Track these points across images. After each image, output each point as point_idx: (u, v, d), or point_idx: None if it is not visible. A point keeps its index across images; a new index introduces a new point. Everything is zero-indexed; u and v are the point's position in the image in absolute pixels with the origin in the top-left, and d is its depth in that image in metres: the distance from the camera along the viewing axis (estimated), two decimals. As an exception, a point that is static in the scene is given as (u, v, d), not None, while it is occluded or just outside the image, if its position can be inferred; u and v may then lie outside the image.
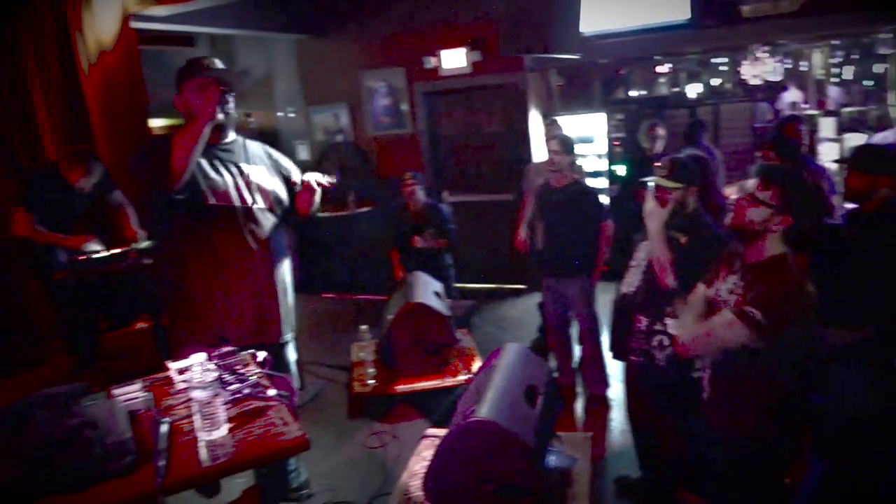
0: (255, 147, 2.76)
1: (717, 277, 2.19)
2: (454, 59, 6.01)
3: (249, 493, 2.85)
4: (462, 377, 3.67)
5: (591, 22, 4.98)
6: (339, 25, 6.56)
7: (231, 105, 2.51)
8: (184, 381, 1.96)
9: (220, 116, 2.42)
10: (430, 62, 6.12)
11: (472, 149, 6.50)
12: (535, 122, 6.06)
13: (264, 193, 2.65)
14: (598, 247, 3.82)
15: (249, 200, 2.59)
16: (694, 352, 2.22)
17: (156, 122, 6.77)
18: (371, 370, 3.75)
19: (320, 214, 6.94)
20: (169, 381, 2.02)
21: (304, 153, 7.28)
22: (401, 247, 4.77)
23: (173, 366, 2.03)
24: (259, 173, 2.67)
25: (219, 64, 2.57)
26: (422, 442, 2.57)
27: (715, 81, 9.36)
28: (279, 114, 7.34)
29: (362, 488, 3.01)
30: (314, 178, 2.71)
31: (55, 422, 1.53)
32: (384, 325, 3.87)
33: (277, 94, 7.29)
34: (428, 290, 3.90)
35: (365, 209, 6.61)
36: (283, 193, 2.76)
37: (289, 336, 2.83)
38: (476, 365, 3.77)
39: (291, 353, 2.87)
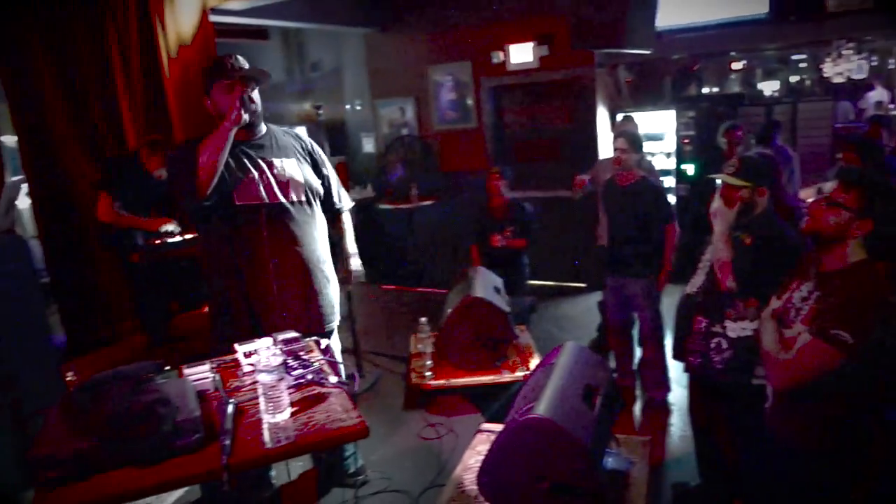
0: (287, 138, 2.73)
1: (791, 286, 2.10)
2: (521, 54, 5.97)
3: (307, 476, 2.94)
4: (519, 374, 3.66)
5: (665, 16, 4.86)
6: (407, 19, 6.61)
7: (257, 102, 2.49)
8: (250, 364, 2.02)
9: (245, 118, 2.41)
10: (498, 57, 6.10)
11: (536, 144, 6.45)
12: (603, 118, 5.96)
13: (297, 186, 2.61)
14: (663, 248, 3.73)
15: (281, 195, 2.55)
16: (788, 387, 2.05)
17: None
18: (429, 362, 3.78)
19: (383, 206, 7.07)
20: (236, 364, 2.09)
21: (369, 146, 7.38)
22: (480, 241, 4.75)
23: (241, 349, 2.10)
24: (291, 165, 2.62)
25: (244, 62, 2.54)
26: (477, 436, 2.58)
27: (794, 78, 8.97)
28: (347, 106, 7.47)
29: (416, 479, 3.04)
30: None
31: (130, 397, 1.60)
32: (443, 319, 3.89)
33: (346, 87, 7.41)
34: (488, 285, 3.89)
35: (427, 202, 6.66)
36: (316, 183, 2.72)
37: (333, 325, 2.80)
38: (534, 362, 3.75)
39: (336, 342, 2.87)
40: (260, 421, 1.70)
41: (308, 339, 2.19)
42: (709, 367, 2.54)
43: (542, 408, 1.84)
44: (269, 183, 2.53)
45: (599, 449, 1.95)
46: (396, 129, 7.07)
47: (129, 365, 1.80)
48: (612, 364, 4.08)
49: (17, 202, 3.27)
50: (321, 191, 2.76)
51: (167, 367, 1.93)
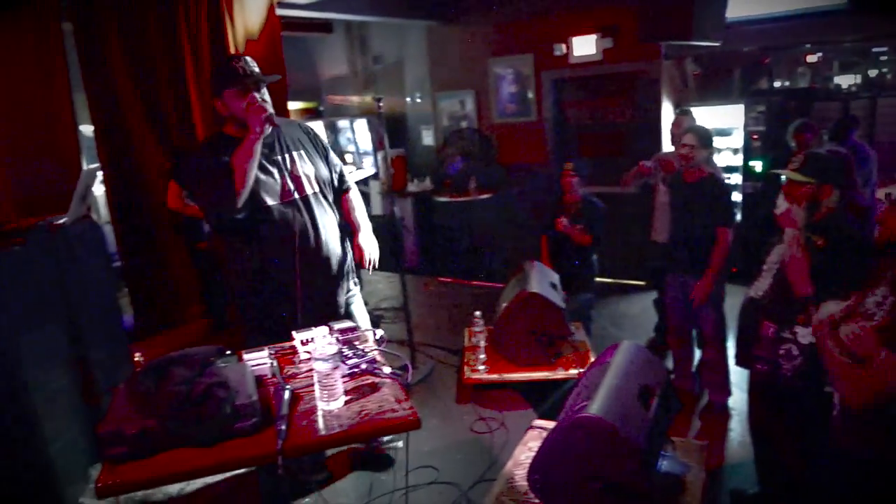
0: (293, 130, 2.78)
1: (865, 290, 1.99)
2: (584, 46, 5.87)
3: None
4: (573, 371, 3.62)
5: (736, 6, 4.68)
6: (469, 12, 6.59)
7: (269, 103, 2.55)
8: (307, 352, 2.07)
9: (268, 129, 2.50)
10: (560, 49, 6.02)
11: (597, 139, 6.34)
12: (668, 112, 5.80)
13: (310, 178, 2.69)
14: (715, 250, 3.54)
15: (298, 191, 2.63)
16: (864, 403, 1.92)
17: (294, 105, 7.15)
18: (482, 356, 3.78)
19: (441, 199, 7.08)
20: (293, 351, 2.14)
21: (428, 138, 7.41)
22: (551, 235, 4.70)
23: (298, 336, 2.14)
24: (302, 159, 2.70)
25: (254, 65, 2.59)
26: (528, 432, 2.57)
27: (873, 72, 8.51)
28: (407, 99, 7.52)
29: (466, 471, 3.05)
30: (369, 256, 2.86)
31: (192, 379, 1.66)
32: (498, 313, 3.88)
33: (406, 80, 7.46)
34: (544, 280, 3.86)
35: (485, 196, 6.65)
36: (325, 172, 2.78)
37: (353, 302, 2.89)
38: (589, 360, 3.70)
39: (362, 312, 2.95)
40: (314, 408, 1.73)
41: (364, 329, 2.23)
42: (777, 374, 2.45)
43: (595, 407, 1.81)
44: (286, 180, 2.61)
45: (654, 451, 1.91)
46: (456, 122, 7.07)
47: (192, 348, 1.87)
48: (670, 365, 3.99)
49: (92, 189, 3.42)
50: (331, 179, 2.83)
51: (228, 352, 1.99)
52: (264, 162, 2.57)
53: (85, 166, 4.16)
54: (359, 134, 7.42)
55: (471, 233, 6.90)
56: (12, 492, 2.57)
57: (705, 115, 5.38)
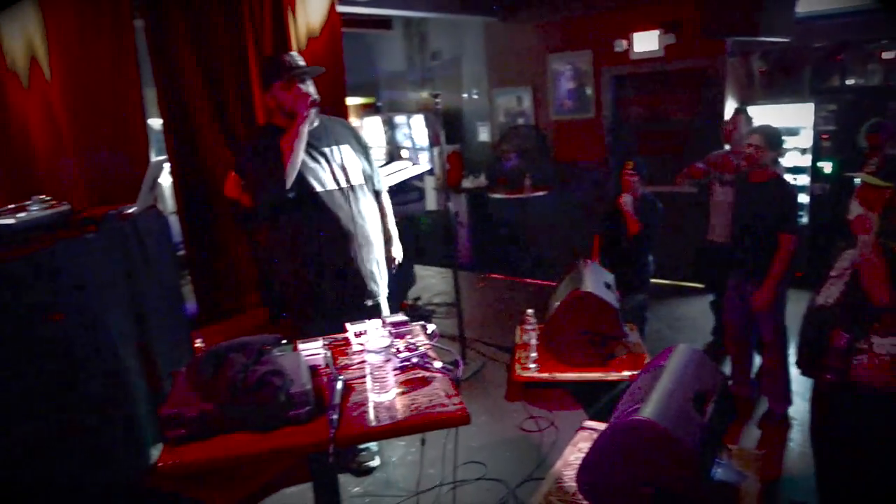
0: (338, 126, 2.92)
1: None
2: (646, 42, 5.75)
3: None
4: (626, 373, 3.55)
5: (808, 1, 4.50)
6: (528, 7, 6.54)
7: (315, 96, 2.69)
8: (360, 344, 2.10)
9: (315, 119, 2.66)
10: (621, 45, 5.91)
11: (657, 137, 6.20)
12: (731, 111, 5.63)
13: (355, 170, 2.83)
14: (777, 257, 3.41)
15: (344, 180, 2.77)
16: None
17: (352, 101, 7.25)
18: (533, 354, 3.75)
19: (496, 196, 7.06)
20: (346, 343, 2.18)
21: (484, 135, 7.41)
22: (604, 234, 4.64)
23: (351, 328, 2.18)
24: (347, 152, 2.84)
25: (300, 59, 2.75)
26: (579, 433, 2.54)
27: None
28: (464, 95, 7.52)
29: (513, 469, 3.04)
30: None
31: (248, 367, 1.71)
32: (550, 311, 3.84)
33: (464, 76, 7.46)
34: (598, 280, 3.80)
35: (540, 193, 6.60)
36: (367, 167, 2.93)
37: (380, 300, 2.99)
38: (643, 362, 3.63)
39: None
40: (366, 399, 1.76)
41: (415, 323, 2.25)
42: (849, 385, 2.35)
43: (648, 410, 1.78)
44: (333, 170, 2.75)
45: (708, 458, 1.87)
46: (512, 119, 7.04)
47: (250, 336, 1.92)
48: (728, 370, 3.88)
49: (159, 180, 3.55)
50: (371, 175, 2.97)
51: (284, 341, 2.04)
52: (312, 151, 2.71)
53: (153, 158, 4.32)
54: (415, 130, 7.46)
55: (525, 230, 6.86)
56: (98, 455, 2.71)
57: (772, 114, 5.19)
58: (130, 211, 3.15)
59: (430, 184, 7.50)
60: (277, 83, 2.69)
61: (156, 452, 3.17)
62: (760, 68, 6.06)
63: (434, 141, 7.18)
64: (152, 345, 3.19)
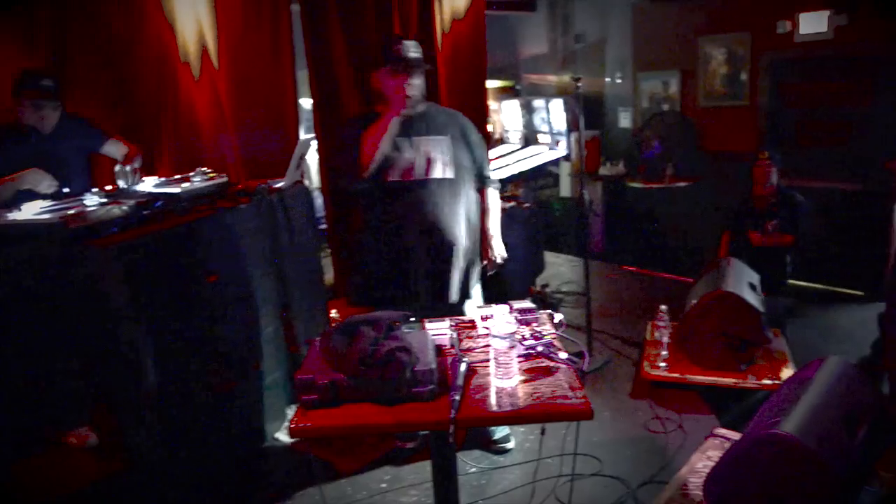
0: (444, 116, 2.84)
1: None
2: (814, 23, 5.25)
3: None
4: (767, 382, 3.32)
5: None
6: (681, -13, 6.19)
7: (418, 87, 2.66)
8: (485, 328, 2.11)
9: (407, 111, 2.63)
10: (784, 27, 5.44)
11: (821, 127, 5.66)
12: (913, 100, 5.02)
13: (445, 163, 2.74)
14: None
15: (428, 172, 2.71)
16: None
17: (491, 83, 7.25)
18: (664, 353, 3.60)
19: (634, 185, 6.81)
20: (472, 325, 2.20)
21: (625, 121, 7.14)
22: (735, 232, 4.37)
23: (478, 312, 2.19)
24: (441, 144, 2.75)
25: (412, 49, 2.69)
26: (709, 440, 2.41)
27: None
28: (607, 79, 7.29)
29: (634, 469, 2.94)
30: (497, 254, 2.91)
31: (378, 341, 1.78)
32: (686, 309, 3.66)
33: (608, 60, 7.23)
34: (742, 279, 3.57)
35: (682, 183, 6.28)
36: (468, 161, 2.83)
37: (467, 302, 2.91)
38: (786, 372, 3.38)
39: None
40: (488, 384, 1.77)
41: (542, 311, 2.22)
42: None
43: (790, 425, 1.65)
44: (418, 160, 2.70)
45: (856, 484, 1.70)
46: (657, 104, 6.73)
47: (382, 311, 1.99)
48: (886, 390, 3.50)
49: (306, 157, 3.76)
50: (472, 169, 2.88)
51: (412, 319, 2.09)
52: (400, 140, 2.69)
53: (301, 136, 4.57)
54: (553, 114, 7.34)
55: (663, 222, 6.56)
56: (231, 412, 2.96)
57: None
58: (279, 185, 3.36)
59: (565, 170, 7.36)
60: (385, 68, 2.68)
61: (290, 413, 3.41)
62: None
63: (572, 126, 7.03)
64: (292, 311, 3.41)
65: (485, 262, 3.00)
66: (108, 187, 2.99)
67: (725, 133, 6.13)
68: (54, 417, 3.18)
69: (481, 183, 2.99)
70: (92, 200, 2.60)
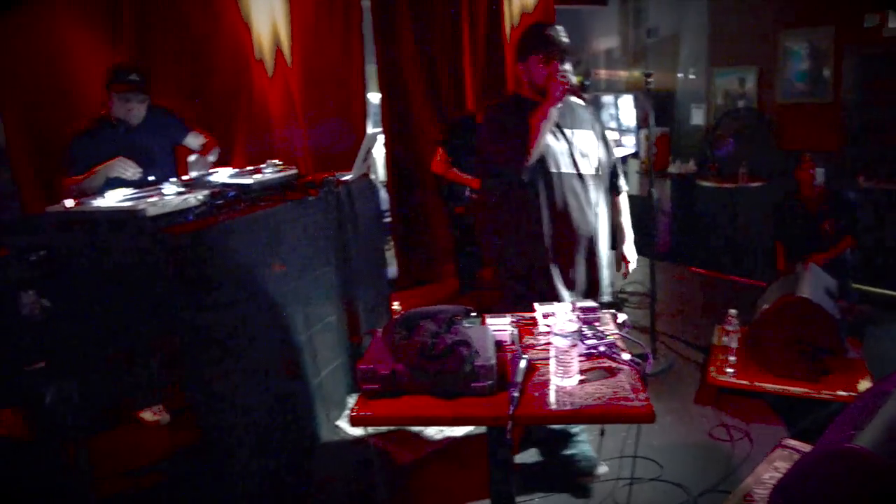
0: (581, 111, 2.76)
1: None
2: (906, 17, 4.96)
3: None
4: (842, 393, 3.17)
5: None
6: (761, -21, 5.95)
7: (570, 77, 2.55)
8: (547, 325, 2.09)
9: (563, 99, 2.53)
10: (872, 20, 5.15)
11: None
12: None
13: (592, 158, 2.69)
14: None
15: (577, 166, 2.64)
16: None
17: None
18: (732, 358, 3.49)
19: (705, 184, 6.60)
20: (534, 323, 2.18)
21: (698, 118, 6.93)
22: (787, 237, 4.22)
23: (540, 309, 2.18)
24: (587, 138, 2.69)
25: (563, 36, 2.59)
26: (777, 450, 2.32)
27: None
28: (679, 75, 7.08)
29: (696, 477, 2.86)
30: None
31: (438, 334, 1.79)
32: (757, 314, 3.54)
33: (681, 55, 7.02)
34: (819, 285, 3.42)
35: (756, 183, 6.05)
36: (606, 159, 2.76)
37: (604, 300, 2.81)
38: (863, 384, 3.21)
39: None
40: (548, 381, 1.76)
41: (606, 311, 2.19)
42: None
43: (866, 439, 1.57)
44: (570, 152, 2.63)
45: (939, 506, 1.60)
46: (732, 101, 6.50)
47: (443, 305, 2.00)
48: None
49: (373, 151, 3.83)
50: (608, 168, 2.81)
51: (473, 314, 2.10)
52: (555, 131, 2.63)
53: (368, 130, 4.65)
54: (623, 110, 7.20)
55: (735, 223, 6.33)
56: (293, 400, 3.04)
57: None
58: (346, 178, 3.43)
59: (632, 167, 7.21)
60: (535, 56, 2.59)
61: (351, 401, 3.48)
62: None
63: (642, 122, 6.87)
64: (355, 302, 3.48)
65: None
66: (185, 177, 3.12)
67: (806, 132, 5.86)
68: (131, 395, 3.35)
69: (616, 187, 2.92)
70: (169, 189, 2.72)
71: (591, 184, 2.68)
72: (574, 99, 2.78)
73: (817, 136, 5.74)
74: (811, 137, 5.80)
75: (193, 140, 3.54)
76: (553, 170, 2.61)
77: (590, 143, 2.70)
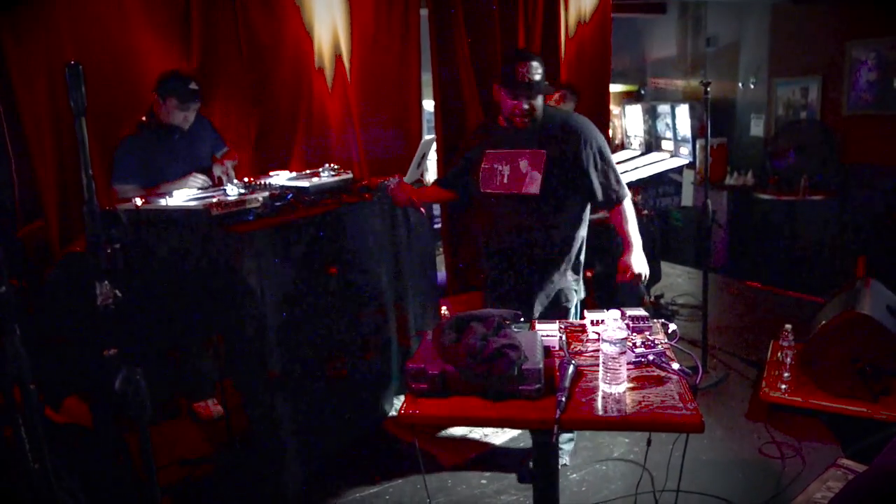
0: (558, 130, 2.71)
1: None
2: (984, 26, 4.75)
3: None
4: (903, 414, 3.06)
5: None
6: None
7: (538, 109, 2.68)
8: (595, 332, 2.10)
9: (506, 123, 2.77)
10: (946, 29, 4.96)
11: None
12: None
13: (534, 179, 2.71)
14: None
15: (518, 187, 2.71)
16: None
17: (614, 88, 7.11)
18: (786, 374, 3.41)
19: (763, 196, 6.44)
20: (582, 329, 2.20)
21: (757, 128, 6.77)
22: (876, 254, 4.05)
23: (589, 316, 2.19)
24: (538, 159, 2.71)
25: (534, 71, 2.62)
26: (831, 470, 2.27)
27: None
28: (738, 84, 6.94)
29: (744, 493, 2.81)
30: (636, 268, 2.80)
31: (488, 336, 1.82)
32: (813, 330, 3.44)
33: (741, 64, 6.88)
34: (880, 302, 3.31)
35: (817, 197, 5.87)
36: (579, 177, 2.76)
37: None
38: (927, 406, 3.09)
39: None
40: (596, 388, 1.77)
41: (656, 320, 2.18)
42: None
43: (924, 460, 1.53)
44: (507, 174, 2.69)
45: None
46: (794, 112, 6.33)
47: (492, 309, 2.04)
48: None
49: (427, 157, 3.89)
50: (592, 190, 2.73)
51: (522, 318, 2.12)
52: (497, 153, 2.74)
53: (424, 136, 4.72)
54: (679, 119, 7.09)
55: (793, 237, 6.16)
56: (343, 396, 3.12)
57: None
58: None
59: (688, 178, 7.09)
60: (504, 89, 2.64)
61: (398, 402, 3.54)
62: None
63: (699, 132, 6.76)
64: (405, 304, 3.54)
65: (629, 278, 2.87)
66: (246, 179, 3.24)
67: (873, 145, 5.66)
68: (186, 388, 3.50)
69: (614, 198, 2.82)
70: (232, 191, 2.84)
71: (536, 203, 2.66)
72: (559, 116, 2.79)
73: (886, 150, 5.54)
74: (878, 151, 5.60)
75: (224, 150, 3.62)
76: (492, 191, 2.72)
77: (537, 165, 2.64)
